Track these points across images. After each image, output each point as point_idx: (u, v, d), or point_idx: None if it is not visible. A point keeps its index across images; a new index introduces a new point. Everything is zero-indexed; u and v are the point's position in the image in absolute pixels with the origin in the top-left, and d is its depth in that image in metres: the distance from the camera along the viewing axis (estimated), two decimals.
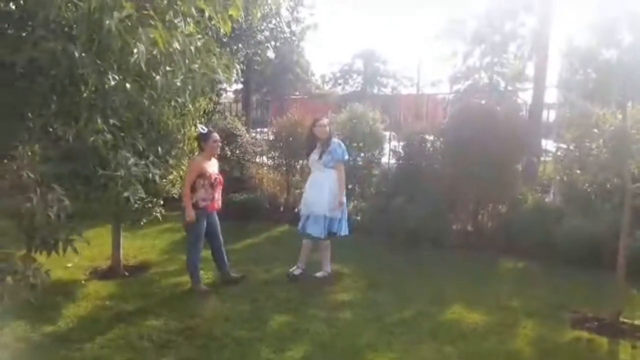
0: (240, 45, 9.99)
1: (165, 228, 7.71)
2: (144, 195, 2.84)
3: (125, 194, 2.89)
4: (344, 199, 5.73)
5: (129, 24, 2.37)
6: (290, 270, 5.80)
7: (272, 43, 13.82)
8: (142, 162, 3.22)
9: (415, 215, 7.11)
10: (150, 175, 4.01)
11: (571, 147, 7.10)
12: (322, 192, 5.62)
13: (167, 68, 2.71)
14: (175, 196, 5.85)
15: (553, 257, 6.35)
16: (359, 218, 7.79)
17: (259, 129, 11.57)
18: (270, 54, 14.39)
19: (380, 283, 5.64)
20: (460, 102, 13.98)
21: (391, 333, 4.37)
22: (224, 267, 5.60)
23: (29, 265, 2.78)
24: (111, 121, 2.90)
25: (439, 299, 5.17)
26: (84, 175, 3.61)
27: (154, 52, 2.58)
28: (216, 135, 5.39)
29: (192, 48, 2.79)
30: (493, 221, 7.53)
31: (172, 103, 2.88)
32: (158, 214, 5.71)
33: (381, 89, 24.29)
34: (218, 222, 5.49)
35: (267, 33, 13.29)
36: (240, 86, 13.87)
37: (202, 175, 5.16)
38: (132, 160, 2.84)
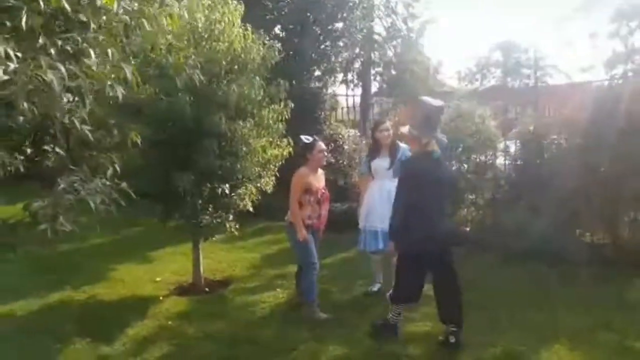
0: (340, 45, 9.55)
1: (266, 240, 7.59)
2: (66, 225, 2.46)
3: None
4: None
5: None
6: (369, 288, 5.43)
7: (392, 42, 13.18)
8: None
9: (534, 226, 6.05)
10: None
11: None
12: None
13: None
14: (251, 210, 5.60)
15: None
16: (468, 229, 6.89)
17: None
18: (390, 53, 13.72)
19: (476, 309, 4.62)
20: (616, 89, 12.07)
21: None
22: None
23: None
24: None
25: (542, 331, 4.21)
26: None
27: None
28: (321, 145, 4.91)
29: None
30: (636, 232, 6.13)
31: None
32: (232, 229, 5.50)
33: (523, 81, 22.11)
34: (318, 240, 5.02)
35: (384, 33, 12.70)
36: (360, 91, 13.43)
37: (308, 190, 4.76)
38: (77, 184, 2.50)
